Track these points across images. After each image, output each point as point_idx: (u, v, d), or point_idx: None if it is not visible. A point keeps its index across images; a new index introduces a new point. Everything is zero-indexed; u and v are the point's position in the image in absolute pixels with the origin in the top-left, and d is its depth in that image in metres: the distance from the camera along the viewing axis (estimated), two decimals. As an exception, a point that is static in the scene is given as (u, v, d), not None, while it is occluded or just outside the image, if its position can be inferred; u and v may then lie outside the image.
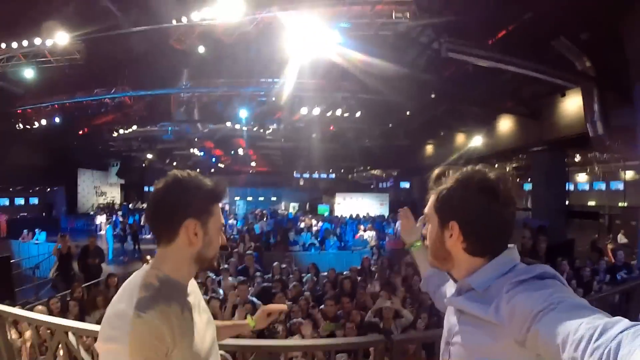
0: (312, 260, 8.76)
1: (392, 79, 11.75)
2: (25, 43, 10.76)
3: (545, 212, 12.75)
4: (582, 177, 23.17)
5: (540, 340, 0.79)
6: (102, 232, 16.71)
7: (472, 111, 14.93)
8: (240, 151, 26.20)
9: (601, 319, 0.71)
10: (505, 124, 14.61)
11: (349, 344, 2.47)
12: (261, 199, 26.65)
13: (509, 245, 1.06)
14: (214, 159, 29.27)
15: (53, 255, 8.61)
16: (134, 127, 19.12)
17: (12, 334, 2.87)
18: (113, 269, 10.84)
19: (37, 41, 10.59)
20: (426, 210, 1.16)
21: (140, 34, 11.01)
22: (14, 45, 10.85)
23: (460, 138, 18.20)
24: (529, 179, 20.12)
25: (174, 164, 29.38)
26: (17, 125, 16.07)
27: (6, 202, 20.97)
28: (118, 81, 14.40)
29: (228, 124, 17.88)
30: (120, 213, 20.11)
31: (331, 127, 18.86)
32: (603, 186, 21.28)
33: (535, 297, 0.84)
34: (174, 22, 10.45)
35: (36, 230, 13.44)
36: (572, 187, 19.91)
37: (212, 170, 29.94)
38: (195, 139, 23.31)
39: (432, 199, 1.13)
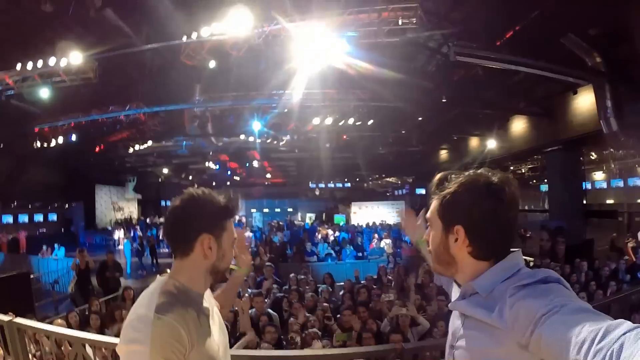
0: (329, 271, 8.72)
1: (402, 86, 11.74)
2: (40, 63, 11.01)
3: (563, 213, 12.54)
4: (599, 176, 22.72)
5: (544, 344, 0.80)
6: (120, 247, 16.92)
7: (484, 114, 14.82)
8: (255, 163, 26.33)
9: (604, 321, 0.71)
10: (519, 125, 14.45)
11: (361, 353, 2.46)
12: (277, 210, 26.70)
13: (513, 249, 1.06)
14: (229, 172, 29.37)
15: (72, 270, 8.77)
16: (149, 143, 19.41)
17: (32, 348, 2.93)
18: (131, 283, 10.96)
19: (52, 61, 10.82)
20: (428, 215, 1.16)
21: (151, 51, 11.25)
22: (29, 65, 11.13)
23: (473, 142, 18.05)
24: (545, 180, 19.81)
25: (190, 178, 29.78)
26: (34, 144, 16.41)
27: (25, 218, 21.33)
28: (132, 98, 14.63)
29: (242, 136, 18.03)
30: (138, 228, 20.35)
31: (344, 137, 18.86)
32: (621, 183, 20.81)
33: (539, 301, 0.84)
34: (184, 38, 10.62)
35: (55, 245, 13.67)
36: (589, 186, 19.49)
37: (228, 183, 30.16)
38: (210, 153, 23.50)
39: (434, 204, 1.13)
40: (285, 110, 14.65)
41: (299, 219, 25.30)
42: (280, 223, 19.58)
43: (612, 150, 18.81)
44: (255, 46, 10.62)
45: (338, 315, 5.27)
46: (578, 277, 7.09)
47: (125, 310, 5.17)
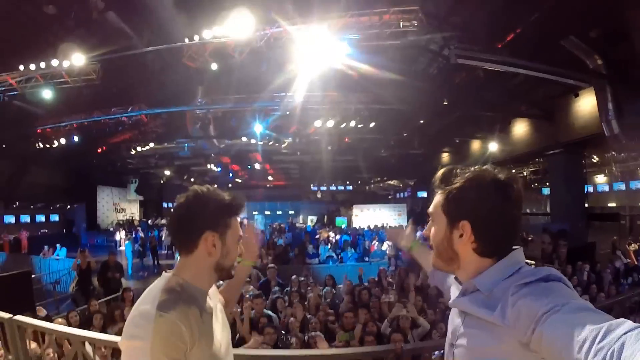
0: (330, 273, 8.72)
1: (403, 88, 11.76)
2: (42, 65, 11.07)
3: (565, 216, 12.53)
4: (601, 179, 22.63)
5: (545, 342, 0.79)
6: (122, 248, 16.94)
7: (485, 117, 14.83)
8: (257, 166, 26.37)
9: (605, 320, 0.71)
10: (520, 128, 14.46)
11: (360, 354, 2.46)
12: (279, 212, 26.75)
13: (515, 247, 1.05)
14: (231, 174, 29.41)
15: (73, 271, 8.79)
16: (151, 145, 19.49)
17: (32, 345, 2.95)
18: (132, 284, 10.98)
19: (54, 63, 10.89)
20: (431, 209, 1.13)
21: (154, 53, 11.29)
22: (32, 67, 11.18)
23: (475, 145, 18.06)
24: (547, 183, 19.77)
25: (192, 180, 29.79)
26: (37, 145, 16.52)
27: (27, 219, 21.44)
28: (134, 100, 14.68)
29: (244, 139, 18.06)
30: (139, 229, 20.38)
31: (346, 139, 18.88)
32: (623, 186, 20.72)
33: (540, 300, 0.84)
34: (186, 40, 10.67)
35: (57, 246, 13.68)
36: (591, 189, 19.42)
37: (230, 185, 30.17)
38: (212, 155, 23.57)
39: (438, 198, 1.11)
40: (287, 112, 14.68)
41: (301, 221, 25.31)
42: (282, 225, 19.60)
43: (614, 153, 18.77)
44: (257, 48, 10.67)
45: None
46: (579, 279, 7.08)
47: (125, 311, 5.19)
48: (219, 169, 27.45)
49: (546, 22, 8.33)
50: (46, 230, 21.38)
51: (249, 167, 26.87)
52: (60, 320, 4.62)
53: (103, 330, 4.94)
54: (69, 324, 4.67)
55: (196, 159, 24.79)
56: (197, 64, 11.63)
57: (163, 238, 17.01)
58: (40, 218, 22.50)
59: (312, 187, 31.27)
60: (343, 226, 20.82)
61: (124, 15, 10.34)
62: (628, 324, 0.68)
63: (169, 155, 23.45)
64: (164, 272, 1.31)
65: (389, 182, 31.68)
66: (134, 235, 17.75)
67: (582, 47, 8.91)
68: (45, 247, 13.75)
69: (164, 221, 23.38)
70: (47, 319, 4.63)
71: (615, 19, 8.06)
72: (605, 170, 22.06)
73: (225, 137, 18.56)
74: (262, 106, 14.86)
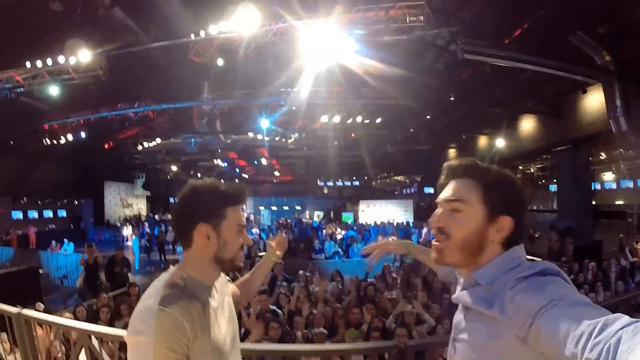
0: (337, 269, 8.71)
1: (410, 84, 11.71)
2: (49, 61, 11.13)
3: (572, 213, 12.44)
4: (608, 176, 22.39)
5: (542, 336, 0.79)
6: (129, 243, 17.03)
7: (493, 113, 14.73)
8: (264, 161, 26.44)
9: (602, 315, 0.71)
10: (528, 124, 14.35)
11: (363, 349, 2.46)
12: (286, 208, 26.66)
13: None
14: (237, 170, 29.45)
15: (80, 266, 8.85)
16: (158, 140, 19.59)
17: (40, 338, 2.97)
18: (140, 279, 11.06)
19: (61, 59, 10.94)
20: (461, 197, 1.06)
21: (160, 49, 11.33)
22: (39, 63, 11.24)
23: (482, 141, 17.95)
24: (554, 180, 19.61)
25: (198, 175, 29.95)
26: (44, 141, 16.64)
27: (35, 214, 21.52)
28: (140, 95, 14.75)
29: (250, 134, 18.08)
30: (146, 224, 20.48)
31: (352, 135, 18.85)
32: (631, 184, 20.50)
33: (538, 294, 0.84)
34: (193, 36, 10.70)
35: (64, 241, 13.78)
36: (598, 187, 19.23)
37: (237, 180, 30.09)
38: (218, 150, 23.67)
39: (471, 189, 1.06)
40: (294, 108, 14.66)
41: (307, 216, 25.30)
42: (289, 221, 19.61)
43: (621, 150, 18.56)
44: (263, 44, 10.66)
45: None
46: (585, 277, 7.03)
47: (132, 305, 5.22)
48: (226, 164, 27.53)
49: (554, 17, 8.24)
50: (54, 226, 21.48)
51: (256, 162, 26.94)
52: (67, 314, 4.66)
53: (110, 324, 4.98)
54: (76, 319, 4.72)
55: (203, 155, 24.90)
56: (203, 60, 11.66)
57: (167, 233, 17.08)
58: (48, 214, 22.62)
59: (318, 183, 31.15)
60: (349, 222, 20.77)
61: (130, 11, 10.37)
62: (625, 319, 0.68)
63: (175, 150, 23.57)
64: (170, 266, 1.33)
65: (396, 177, 31.61)
66: (141, 231, 17.85)
67: (590, 43, 8.81)
68: (53, 243, 13.85)
69: (170, 216, 23.42)
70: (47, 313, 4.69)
71: (623, 15, 7.97)
72: (613, 167, 21.83)
73: (231, 132, 18.60)
74: (269, 102, 14.87)
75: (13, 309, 2.66)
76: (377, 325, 4.71)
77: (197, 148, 22.25)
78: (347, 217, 22.81)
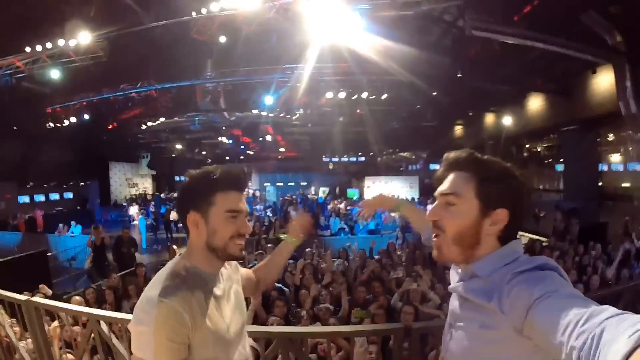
0: (342, 245, 8.75)
1: (416, 60, 11.48)
2: (49, 45, 11.03)
3: (578, 194, 12.36)
4: (615, 158, 22.14)
5: (535, 326, 0.82)
6: (135, 223, 17.19)
7: (500, 90, 14.49)
8: (269, 137, 26.28)
9: (590, 307, 0.74)
10: (535, 103, 14.14)
11: (369, 331, 2.47)
12: (291, 184, 26.76)
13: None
14: (242, 147, 29.47)
15: (87, 247, 8.94)
16: (162, 119, 19.51)
17: (49, 325, 3.02)
18: (147, 258, 11.22)
19: (61, 42, 10.83)
20: (454, 191, 1.07)
21: (161, 28, 11.16)
22: (39, 47, 11.13)
23: (489, 118, 17.76)
24: (561, 160, 19.45)
25: (203, 153, 29.99)
26: (47, 125, 16.62)
27: (42, 197, 21.73)
28: (143, 75, 14.63)
29: (254, 111, 17.94)
30: (152, 203, 20.61)
31: (357, 111, 18.66)
32: (638, 167, 20.30)
33: (534, 287, 0.87)
34: (194, 14, 10.52)
35: (71, 223, 13.91)
36: (605, 168, 19.05)
37: (242, 157, 30.26)
38: (223, 128, 23.56)
39: (466, 182, 1.06)
40: (298, 84, 14.48)
41: (313, 192, 25.34)
42: (294, 197, 19.63)
43: (630, 132, 18.29)
44: (265, 20, 10.47)
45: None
46: (590, 258, 7.00)
47: (139, 285, 5.29)
48: (231, 141, 27.52)
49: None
50: (61, 208, 21.67)
51: (261, 139, 26.78)
52: (77, 298, 4.73)
53: (118, 304, 5.06)
54: (86, 301, 4.79)
55: (207, 132, 24.82)
56: (205, 38, 11.52)
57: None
58: (55, 196, 22.81)
59: (323, 159, 31.04)
60: (355, 198, 20.80)
61: (130, -10, 10.18)
62: (611, 310, 0.71)
63: (179, 129, 23.50)
64: (177, 254, 1.32)
65: (401, 154, 31.42)
66: (146, 210, 17.97)
67: (601, 23, 8.53)
68: (60, 225, 13.98)
69: (176, 195, 23.52)
70: (54, 297, 4.78)
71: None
72: (621, 149, 21.57)
73: (235, 109, 18.44)
74: (273, 78, 14.71)
75: (22, 297, 2.69)
76: (382, 303, 4.73)
77: (201, 126, 22.16)
78: (353, 193, 22.88)
